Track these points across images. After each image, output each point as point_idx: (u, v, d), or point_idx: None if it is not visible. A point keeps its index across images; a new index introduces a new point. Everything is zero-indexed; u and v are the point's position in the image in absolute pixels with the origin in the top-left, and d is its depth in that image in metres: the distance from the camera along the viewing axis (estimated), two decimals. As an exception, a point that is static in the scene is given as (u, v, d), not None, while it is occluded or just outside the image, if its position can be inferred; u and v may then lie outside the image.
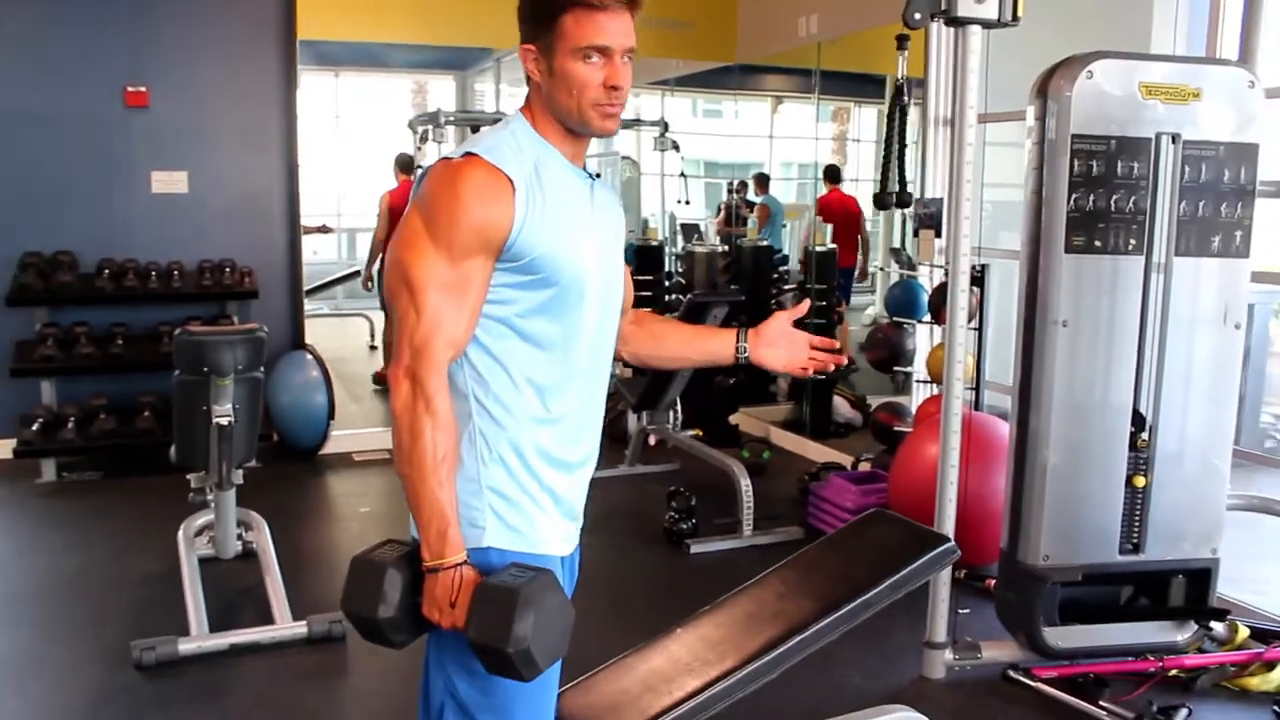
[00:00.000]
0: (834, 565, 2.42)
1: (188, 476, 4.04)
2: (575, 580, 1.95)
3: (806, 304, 2.13)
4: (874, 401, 6.19)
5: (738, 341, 2.07)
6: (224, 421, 3.69)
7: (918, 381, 5.44)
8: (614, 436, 5.95)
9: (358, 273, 9.59)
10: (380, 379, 8.85)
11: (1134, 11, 5.50)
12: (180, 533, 4.03)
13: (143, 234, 6.16)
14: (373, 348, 9.79)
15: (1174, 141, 3.26)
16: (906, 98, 3.67)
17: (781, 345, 2.07)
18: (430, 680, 1.82)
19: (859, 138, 12.79)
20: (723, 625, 2.28)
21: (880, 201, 3.78)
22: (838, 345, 2.11)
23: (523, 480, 1.77)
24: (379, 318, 9.67)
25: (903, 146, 3.79)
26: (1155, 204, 3.29)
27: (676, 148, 9.34)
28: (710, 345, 2.13)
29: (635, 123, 10.75)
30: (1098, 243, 3.27)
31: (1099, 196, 3.25)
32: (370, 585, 1.70)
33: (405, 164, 8.17)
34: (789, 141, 10.17)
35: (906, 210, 4.51)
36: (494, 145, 1.73)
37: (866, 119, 13.18)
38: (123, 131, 6.14)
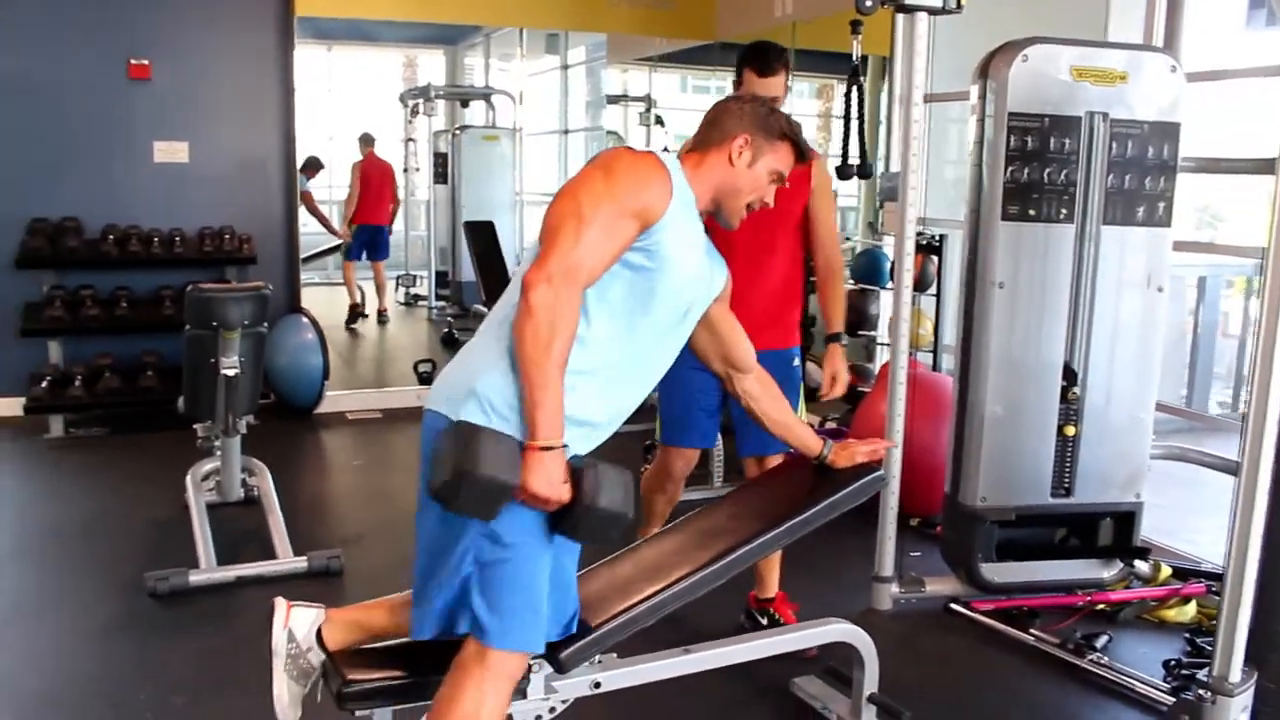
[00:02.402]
0: (778, 492, 2.73)
1: (195, 426, 4.34)
2: None
3: (883, 452, 2.79)
4: (845, 367, 6.50)
5: (824, 446, 2.67)
6: (231, 373, 3.99)
7: (881, 344, 5.76)
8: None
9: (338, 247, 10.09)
10: (351, 315, 9.81)
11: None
12: (188, 477, 4.32)
13: (145, 201, 6.44)
14: (364, 315, 10.11)
15: (1103, 120, 3.56)
16: (863, 76, 3.96)
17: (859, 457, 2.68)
18: (453, 557, 2.06)
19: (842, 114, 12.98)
20: (681, 540, 2.60)
21: (842, 172, 4.08)
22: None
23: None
24: (368, 287, 10.09)
25: (862, 121, 4.10)
26: (1085, 177, 3.59)
27: (661, 122, 9.58)
28: (804, 435, 2.70)
29: (621, 98, 11.02)
30: (1032, 211, 3.56)
31: (1033, 169, 3.54)
32: (505, 454, 1.94)
33: (368, 140, 10.04)
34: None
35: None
36: (668, 159, 2.17)
37: (840, 94, 13.38)
38: (126, 103, 6.40)
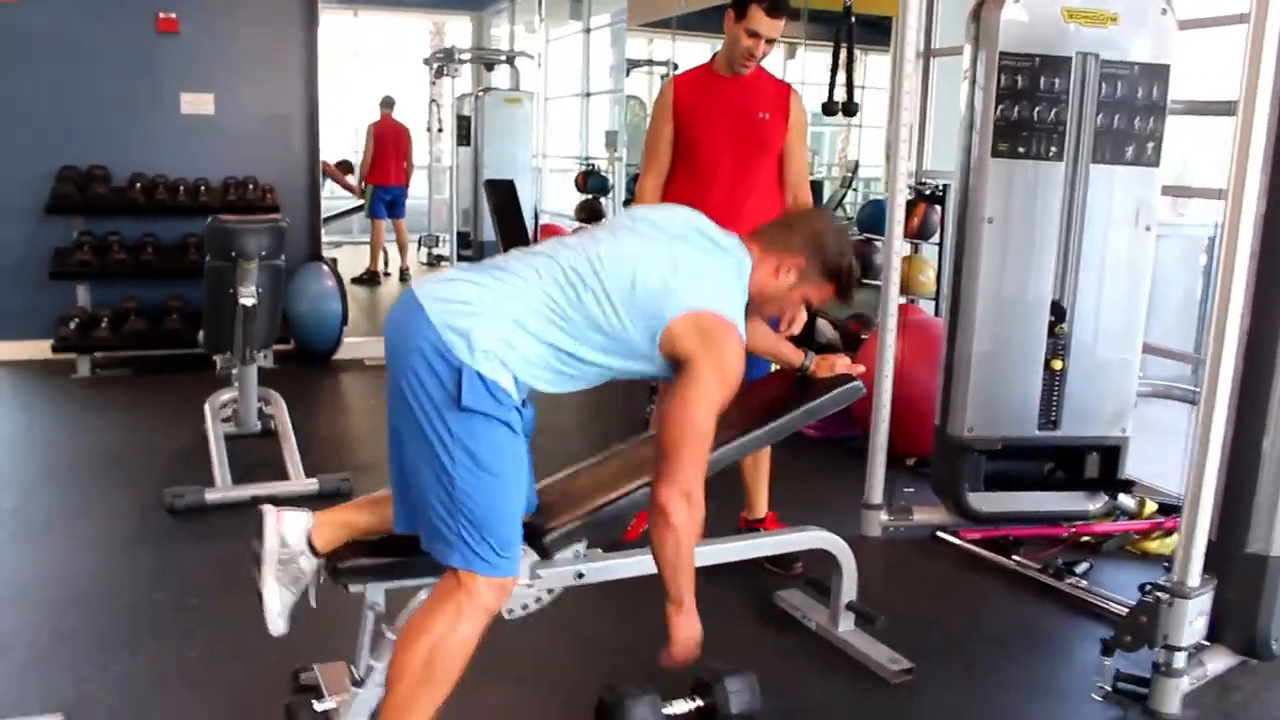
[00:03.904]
0: (760, 399, 2.84)
1: (215, 357, 4.51)
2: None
3: (862, 368, 2.85)
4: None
5: (805, 358, 2.85)
6: (249, 303, 4.14)
7: (885, 294, 5.85)
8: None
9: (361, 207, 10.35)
10: (367, 277, 9.86)
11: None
12: (206, 405, 4.48)
13: (172, 151, 6.60)
14: (386, 274, 10.32)
15: (1093, 61, 3.66)
16: (854, 18, 4.09)
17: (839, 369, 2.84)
18: (434, 474, 2.14)
19: (864, 84, 12.99)
20: (654, 446, 2.71)
21: (828, 109, 4.21)
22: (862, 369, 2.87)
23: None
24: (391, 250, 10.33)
25: (851, 61, 4.22)
26: (1075, 116, 3.68)
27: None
28: (783, 350, 2.86)
29: (644, 63, 11.10)
30: (1021, 149, 3.67)
31: (1023, 108, 3.65)
32: None
33: (387, 102, 10.24)
34: (804, 87, 10.47)
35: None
36: (736, 269, 2.34)
37: (874, 66, 13.40)
38: (154, 55, 6.57)
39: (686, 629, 2.27)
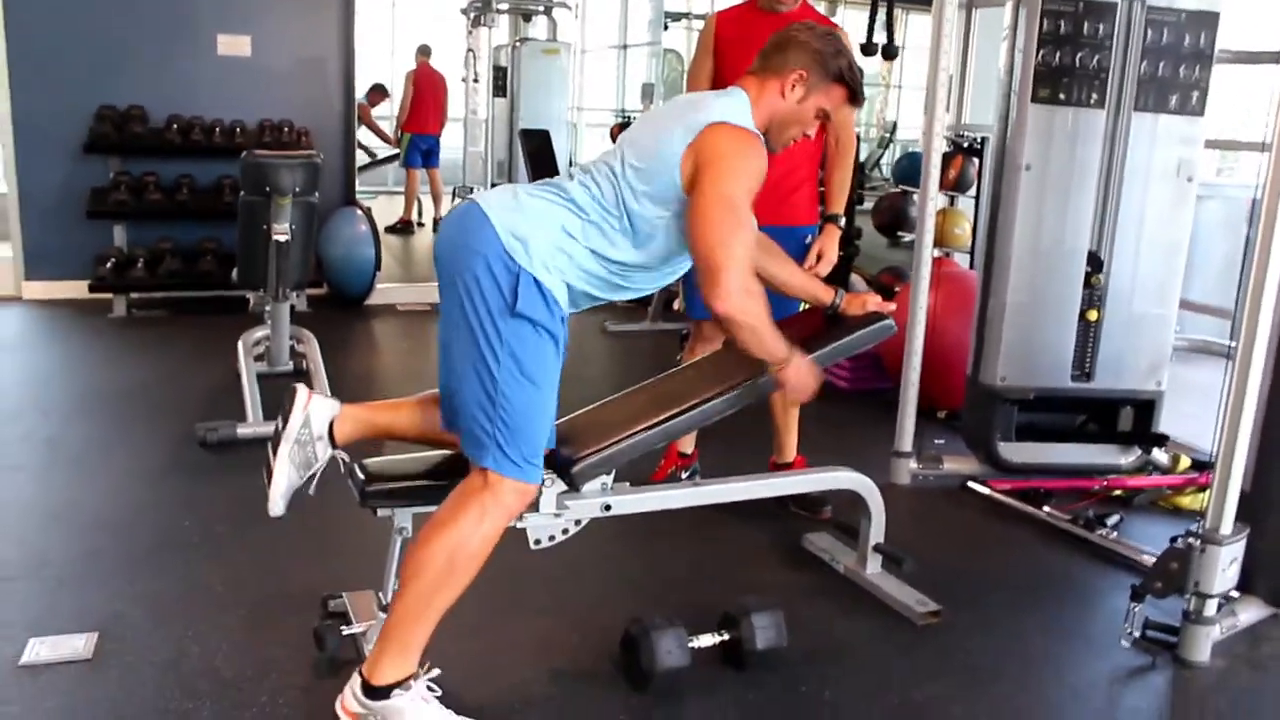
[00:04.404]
0: (791, 336, 2.82)
1: (248, 294, 4.53)
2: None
3: (893, 306, 2.85)
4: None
5: (835, 296, 2.83)
6: (282, 239, 4.16)
7: (919, 246, 5.80)
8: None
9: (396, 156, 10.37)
10: (401, 226, 9.99)
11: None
12: (239, 342, 4.51)
13: (208, 93, 6.63)
14: (420, 224, 10.33)
15: (1139, 5, 3.58)
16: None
17: (870, 306, 2.84)
18: (476, 376, 2.21)
19: (905, 44, 12.84)
20: (692, 375, 2.72)
21: (866, 49, 4.16)
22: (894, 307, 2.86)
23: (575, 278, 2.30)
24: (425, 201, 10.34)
25: (891, 6, 4.15)
26: (1120, 63, 3.61)
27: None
28: (813, 288, 2.88)
29: (683, 16, 10.99)
30: (1062, 95, 3.61)
31: (1065, 53, 3.58)
32: None
33: (424, 50, 10.39)
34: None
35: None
36: (740, 104, 2.40)
37: (916, 25, 13.24)
38: (191, -4, 6.59)
39: (798, 377, 2.44)
